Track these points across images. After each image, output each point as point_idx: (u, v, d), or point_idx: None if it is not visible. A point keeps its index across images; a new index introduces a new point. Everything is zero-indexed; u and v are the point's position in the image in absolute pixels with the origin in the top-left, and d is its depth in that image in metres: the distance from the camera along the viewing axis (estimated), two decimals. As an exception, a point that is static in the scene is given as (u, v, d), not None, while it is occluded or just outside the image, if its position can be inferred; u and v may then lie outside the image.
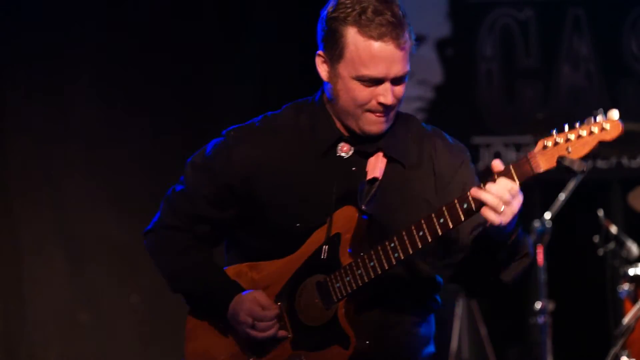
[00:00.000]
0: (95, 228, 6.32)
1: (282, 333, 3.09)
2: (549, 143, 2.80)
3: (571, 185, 5.79)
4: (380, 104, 2.99)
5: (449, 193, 3.04)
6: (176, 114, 6.34)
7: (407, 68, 3.00)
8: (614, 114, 2.81)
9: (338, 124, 3.09)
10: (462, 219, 2.86)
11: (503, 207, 2.80)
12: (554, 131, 2.81)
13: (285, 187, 3.10)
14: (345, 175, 3.07)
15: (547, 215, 5.74)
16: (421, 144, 3.13)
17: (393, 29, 2.95)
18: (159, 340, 6.09)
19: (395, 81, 2.99)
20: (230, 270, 3.21)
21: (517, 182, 2.83)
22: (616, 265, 5.47)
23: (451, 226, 2.87)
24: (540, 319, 5.70)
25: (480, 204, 2.83)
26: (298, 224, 3.08)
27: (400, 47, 2.96)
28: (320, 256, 3.05)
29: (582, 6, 6.90)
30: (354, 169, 3.08)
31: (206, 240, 3.24)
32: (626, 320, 5.08)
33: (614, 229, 5.53)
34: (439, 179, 3.10)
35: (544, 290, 5.71)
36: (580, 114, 5.74)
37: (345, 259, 3.02)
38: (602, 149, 5.56)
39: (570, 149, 2.80)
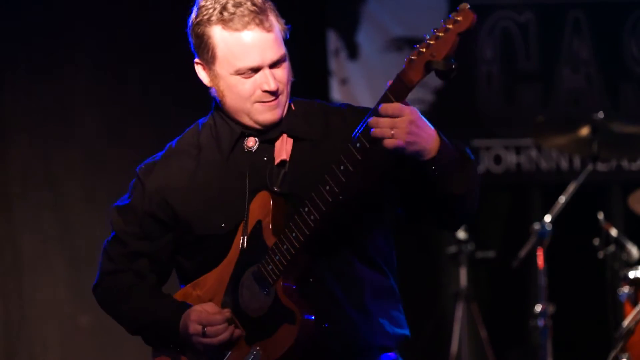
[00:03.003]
0: (96, 230, 6.32)
1: (236, 332, 3.08)
2: (414, 56, 2.80)
3: (571, 188, 5.79)
4: (265, 92, 3.02)
5: None
6: (177, 115, 6.33)
7: (282, 51, 3.03)
8: (463, 4, 2.78)
9: (236, 123, 3.12)
10: (359, 158, 2.86)
11: (393, 130, 2.80)
12: (416, 45, 2.82)
13: (201, 196, 3.11)
14: (257, 166, 3.09)
15: (547, 218, 5.74)
16: (326, 117, 3.14)
17: (255, 16, 2.99)
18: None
19: (273, 66, 3.02)
20: (178, 296, 3.23)
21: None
22: (616, 268, 5.48)
23: (352, 169, 2.87)
24: (541, 322, 5.70)
25: (372, 137, 2.83)
26: (223, 224, 3.09)
27: (267, 30, 3.00)
28: (246, 249, 3.07)
29: (582, 9, 6.90)
30: (265, 158, 3.09)
31: (149, 275, 3.24)
32: (626, 322, 5.08)
33: (614, 232, 5.53)
34: None
35: (544, 293, 5.71)
36: (581, 117, 5.80)
37: (271, 242, 3.02)
38: (601, 152, 5.60)
39: (434, 53, 2.79)
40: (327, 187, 2.90)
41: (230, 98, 3.06)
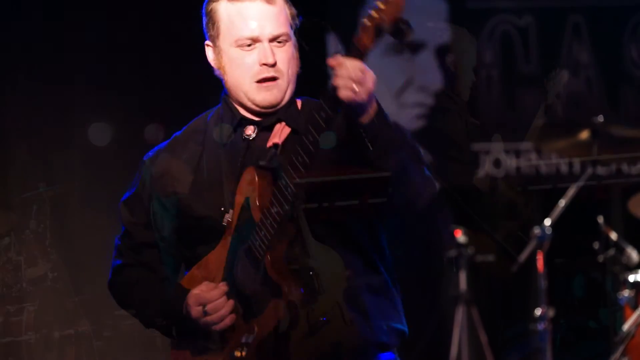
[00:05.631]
0: (96, 233, 6.33)
1: (235, 306, 3.11)
2: (367, 22, 2.92)
3: (571, 191, 5.79)
4: (264, 65, 3.05)
5: None
6: (178, 116, 6.34)
7: (285, 30, 3.11)
8: None
9: (239, 108, 3.16)
10: (324, 126, 2.93)
11: (355, 85, 2.88)
12: (369, 10, 2.95)
13: (202, 180, 3.18)
14: (255, 152, 3.14)
15: (547, 222, 5.73)
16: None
17: None
18: (160, 348, 6.09)
19: (275, 42, 3.07)
20: (185, 280, 3.27)
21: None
22: (616, 272, 5.47)
23: (318, 138, 2.93)
24: (540, 326, 5.69)
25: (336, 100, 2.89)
26: (222, 208, 3.14)
27: (269, 2, 3.07)
28: (237, 227, 3.10)
29: (582, 13, 6.91)
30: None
31: (159, 268, 3.30)
32: (626, 326, 5.08)
33: (614, 236, 5.52)
34: None
35: (544, 297, 5.70)
36: (580, 121, 5.79)
37: (258, 217, 3.06)
38: (601, 155, 5.61)
39: (384, 18, 2.90)
40: (299, 158, 2.95)
41: (231, 74, 3.10)
